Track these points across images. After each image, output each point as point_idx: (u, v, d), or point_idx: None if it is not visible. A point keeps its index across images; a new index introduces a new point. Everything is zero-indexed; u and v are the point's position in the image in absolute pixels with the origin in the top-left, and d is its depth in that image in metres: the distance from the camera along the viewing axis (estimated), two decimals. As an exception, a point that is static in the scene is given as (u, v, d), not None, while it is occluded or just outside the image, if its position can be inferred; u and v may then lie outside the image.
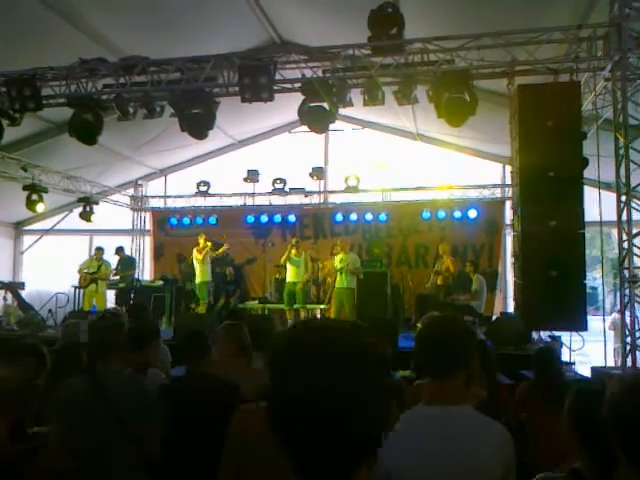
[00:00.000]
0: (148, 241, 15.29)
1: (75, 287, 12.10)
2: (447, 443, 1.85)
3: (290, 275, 10.81)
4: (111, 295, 12.51)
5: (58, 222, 15.08)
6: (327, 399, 0.91)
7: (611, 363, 7.80)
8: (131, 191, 15.30)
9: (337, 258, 10.80)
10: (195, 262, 11.22)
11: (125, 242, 14.43)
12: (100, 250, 12.36)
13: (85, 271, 11.95)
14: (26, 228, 15.67)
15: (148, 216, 15.35)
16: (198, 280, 11.20)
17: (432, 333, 2.08)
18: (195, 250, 11.30)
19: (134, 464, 2.75)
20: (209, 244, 11.33)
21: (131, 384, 2.98)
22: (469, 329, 2.24)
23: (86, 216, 13.14)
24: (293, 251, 10.79)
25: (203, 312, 10.84)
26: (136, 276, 13.44)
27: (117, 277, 12.72)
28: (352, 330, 1.00)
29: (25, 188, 11.68)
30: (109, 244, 13.21)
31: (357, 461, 0.95)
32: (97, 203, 13.55)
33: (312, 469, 0.93)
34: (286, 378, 0.94)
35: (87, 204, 13.16)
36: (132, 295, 12.39)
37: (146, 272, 14.89)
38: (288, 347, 0.98)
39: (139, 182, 15.20)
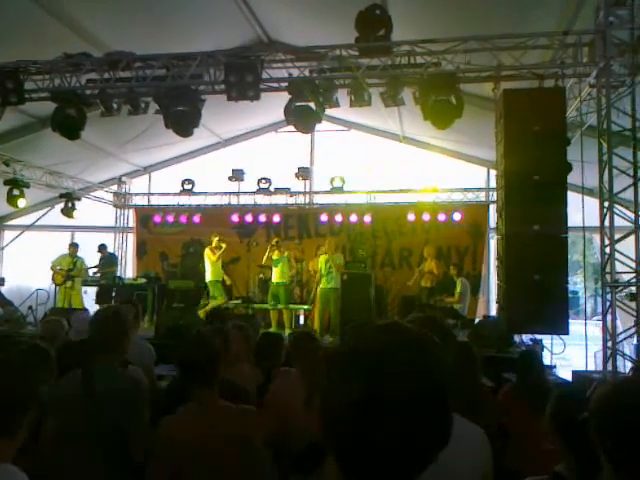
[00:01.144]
0: (131, 238, 15.16)
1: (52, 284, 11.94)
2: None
3: (275, 276, 10.77)
4: (90, 292, 12.35)
5: (40, 218, 14.87)
6: (414, 402, 0.89)
7: (592, 367, 7.87)
8: (114, 188, 15.17)
9: (321, 258, 10.77)
10: (207, 261, 11.07)
11: (107, 239, 14.29)
12: (74, 246, 12.20)
13: (59, 268, 11.77)
14: (7, 223, 15.44)
15: (131, 213, 15.22)
16: (211, 278, 11.05)
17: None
18: (208, 249, 11.13)
19: (116, 460, 2.73)
20: (223, 245, 11.21)
21: (123, 380, 2.98)
22: (449, 330, 2.23)
23: (68, 212, 12.99)
24: (275, 252, 10.74)
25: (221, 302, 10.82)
26: (118, 274, 13.31)
27: (98, 274, 12.58)
28: (428, 337, 1.00)
29: (6, 183, 11.52)
30: (91, 241, 13.10)
31: (418, 472, 0.94)
32: (79, 199, 13.39)
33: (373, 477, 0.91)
34: (372, 377, 0.91)
35: (69, 200, 13.01)
36: (114, 293, 12.26)
37: (128, 270, 14.76)
38: (378, 346, 0.94)
39: (122, 179, 15.06)
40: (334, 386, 0.95)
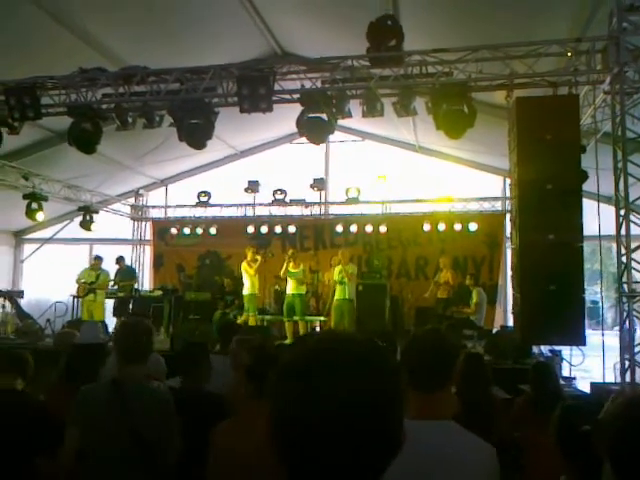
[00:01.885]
0: (148, 251, 15.28)
1: (74, 296, 12.06)
2: (430, 461, 1.80)
3: (290, 287, 10.76)
4: (110, 305, 12.46)
5: (58, 231, 15.09)
6: (350, 414, 0.87)
7: (611, 379, 7.72)
8: (132, 200, 15.32)
9: (336, 269, 10.76)
10: (245, 275, 11.10)
11: (125, 252, 14.41)
12: (99, 259, 12.33)
13: (83, 281, 11.91)
14: (26, 237, 15.68)
15: (148, 226, 15.35)
16: (249, 292, 11.11)
17: (422, 346, 2.04)
18: (245, 263, 11.15)
19: (147, 475, 2.74)
20: (259, 257, 11.23)
21: (152, 394, 2.98)
22: (454, 343, 2.21)
23: (86, 225, 13.15)
24: (291, 264, 10.74)
25: (253, 324, 10.83)
26: (136, 286, 13.42)
27: (116, 287, 12.68)
28: (369, 343, 0.97)
29: (25, 197, 11.68)
30: (109, 253, 13.18)
31: (374, 477, 0.92)
32: (97, 212, 13.55)
33: None
34: (302, 392, 0.89)
35: (87, 213, 13.16)
36: (131, 305, 12.35)
37: (145, 282, 14.86)
38: (305, 359, 0.93)
39: (140, 192, 15.22)
40: (271, 400, 0.93)
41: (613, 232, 6.66)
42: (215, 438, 2.65)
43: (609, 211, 7.14)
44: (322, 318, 11.57)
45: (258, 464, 2.47)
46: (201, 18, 8.36)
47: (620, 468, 1.40)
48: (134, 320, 3.45)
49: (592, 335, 6.98)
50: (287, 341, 9.73)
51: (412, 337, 2.12)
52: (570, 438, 2.01)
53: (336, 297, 10.67)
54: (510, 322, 11.05)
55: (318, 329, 11.85)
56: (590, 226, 7.09)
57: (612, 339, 7.87)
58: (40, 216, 11.93)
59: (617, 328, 6.38)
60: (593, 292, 13.11)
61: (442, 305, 10.96)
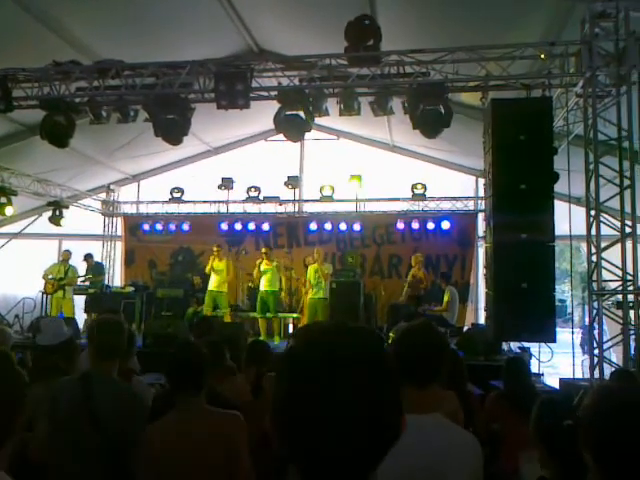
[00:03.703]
0: (119, 247, 15.07)
1: (43, 292, 11.84)
2: (418, 454, 1.83)
3: (264, 284, 10.75)
4: (79, 301, 12.27)
5: (27, 226, 14.75)
6: (352, 406, 0.88)
7: (579, 375, 7.93)
8: (103, 196, 15.09)
9: (311, 268, 10.79)
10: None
11: (95, 247, 14.22)
12: (68, 252, 12.14)
13: (51, 277, 11.70)
14: (-6, 231, 15.32)
15: (119, 221, 15.15)
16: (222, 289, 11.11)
17: (413, 341, 2.05)
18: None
19: (109, 471, 2.71)
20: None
21: (121, 390, 2.98)
22: (443, 337, 2.24)
23: (56, 220, 12.90)
24: (265, 261, 10.73)
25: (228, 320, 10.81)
26: (105, 282, 13.24)
27: (86, 283, 12.49)
28: (373, 335, 0.99)
29: (-6, 191, 11.44)
30: (79, 249, 12.98)
31: (370, 470, 0.93)
32: (67, 207, 13.30)
33: (326, 477, 0.91)
34: (306, 383, 0.90)
35: (57, 208, 12.91)
36: (102, 302, 12.18)
37: (116, 278, 14.66)
38: (308, 351, 0.94)
39: (111, 187, 15.00)
40: (279, 395, 0.94)
41: (582, 232, 6.83)
42: (150, 437, 2.62)
43: (578, 211, 7.32)
44: (295, 315, 11.59)
45: (197, 463, 2.50)
46: (177, 13, 8.27)
47: (605, 461, 1.45)
48: (108, 317, 3.42)
49: (559, 333, 7.14)
50: (261, 338, 9.72)
51: (403, 331, 2.14)
52: (550, 432, 2.06)
53: (310, 295, 10.70)
54: (481, 320, 11.24)
55: (291, 327, 11.88)
56: (560, 226, 7.25)
57: (579, 336, 8.10)
58: (9, 210, 11.68)
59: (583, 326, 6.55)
60: (560, 291, 13.38)
61: (414, 303, 11.06)
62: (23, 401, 1.55)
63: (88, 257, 12.86)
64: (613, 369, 6.05)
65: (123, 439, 2.72)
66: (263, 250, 11.18)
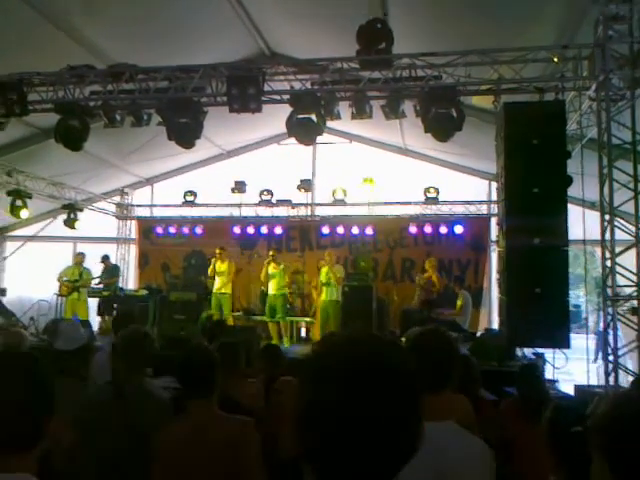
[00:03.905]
0: (133, 250, 15.17)
1: (57, 295, 11.94)
2: (434, 462, 1.81)
3: (271, 287, 10.76)
4: (93, 303, 12.35)
5: (42, 229, 14.93)
6: (373, 416, 0.89)
7: (594, 381, 7.82)
8: (117, 199, 15.21)
9: (323, 270, 10.78)
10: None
11: (109, 250, 14.30)
12: (81, 255, 12.22)
13: (65, 279, 11.79)
14: (9, 234, 15.49)
15: (133, 224, 15.25)
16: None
17: (426, 347, 2.04)
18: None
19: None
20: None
21: (153, 398, 3.01)
22: (454, 342, 2.23)
23: (70, 223, 13.01)
24: (271, 264, 10.73)
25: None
26: (119, 284, 13.31)
27: (101, 285, 12.58)
28: (396, 347, 1.00)
29: (9, 194, 11.56)
30: (93, 252, 13.08)
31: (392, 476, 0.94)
32: (82, 210, 13.42)
33: None
34: (329, 391, 0.92)
35: (72, 211, 13.03)
36: (115, 304, 12.25)
37: (130, 281, 14.76)
38: (332, 359, 0.96)
39: (125, 190, 15.11)
40: (298, 396, 0.96)
41: (596, 237, 6.76)
42: (163, 441, 2.62)
43: (593, 216, 7.25)
44: (308, 319, 11.58)
45: (208, 471, 2.49)
46: (190, 18, 8.33)
47: (618, 467, 1.42)
48: (134, 329, 3.42)
49: (574, 338, 7.06)
50: (273, 342, 9.72)
51: (416, 337, 2.13)
52: (562, 438, 2.04)
53: (322, 298, 10.68)
54: (495, 325, 11.16)
55: (304, 330, 11.88)
56: (573, 231, 7.18)
57: (592, 342, 7.99)
58: (24, 213, 11.81)
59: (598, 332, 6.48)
60: (575, 296, 13.25)
61: (427, 307, 11.00)
62: (53, 404, 1.56)
63: (105, 259, 12.97)
64: (630, 377, 5.98)
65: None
66: (270, 252, 11.19)
